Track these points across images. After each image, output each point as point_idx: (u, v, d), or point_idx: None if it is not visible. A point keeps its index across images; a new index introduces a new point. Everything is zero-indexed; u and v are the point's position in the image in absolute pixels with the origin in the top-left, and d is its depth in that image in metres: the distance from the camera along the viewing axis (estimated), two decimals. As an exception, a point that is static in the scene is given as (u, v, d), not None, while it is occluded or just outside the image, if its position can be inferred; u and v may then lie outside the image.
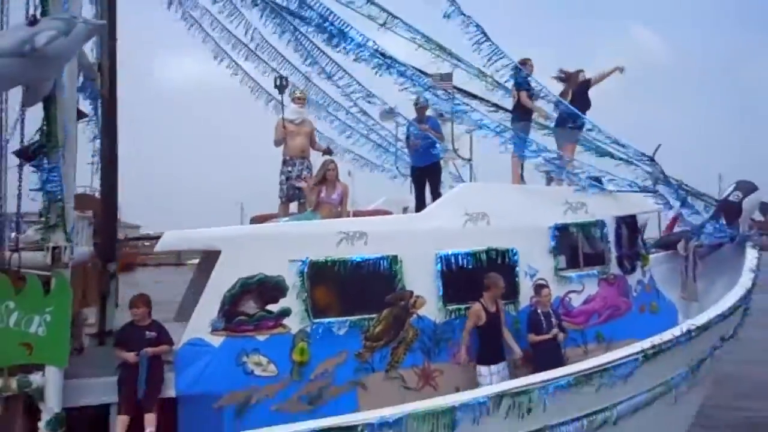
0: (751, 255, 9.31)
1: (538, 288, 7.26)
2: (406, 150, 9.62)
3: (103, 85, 7.87)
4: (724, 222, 9.72)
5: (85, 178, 8.24)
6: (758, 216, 10.82)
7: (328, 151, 8.34)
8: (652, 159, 8.05)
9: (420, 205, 8.07)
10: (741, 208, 9.88)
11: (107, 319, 8.45)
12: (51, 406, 5.56)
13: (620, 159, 8.09)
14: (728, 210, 9.86)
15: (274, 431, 5.66)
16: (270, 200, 8.27)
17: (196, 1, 8.89)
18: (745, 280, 8.70)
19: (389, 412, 5.82)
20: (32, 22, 5.25)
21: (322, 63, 8.58)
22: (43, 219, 5.68)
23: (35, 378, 5.58)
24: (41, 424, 5.54)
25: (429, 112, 8.23)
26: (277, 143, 7.91)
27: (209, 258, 7.33)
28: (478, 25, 7.45)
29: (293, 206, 7.92)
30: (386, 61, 7.47)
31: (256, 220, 8.64)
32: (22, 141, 5.84)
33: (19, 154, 5.85)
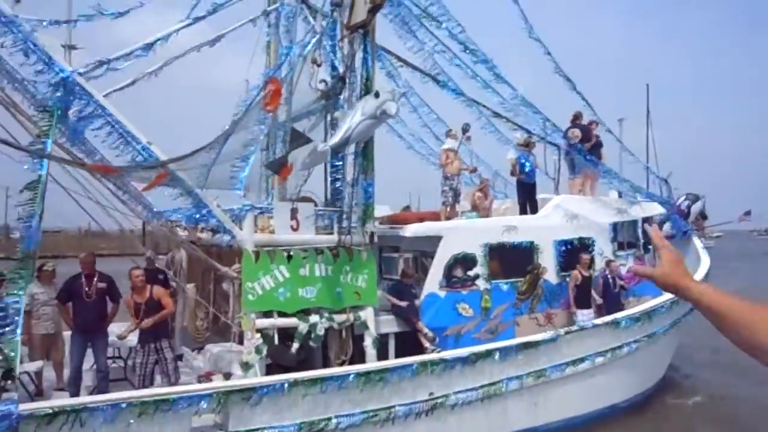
0: (698, 243, 14.27)
1: (609, 262, 11.51)
2: None
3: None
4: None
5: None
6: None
7: (473, 170, 12.08)
8: (666, 180, 12.68)
9: (523, 209, 11.99)
10: (690, 212, 14.87)
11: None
12: (372, 331, 8.87)
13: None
14: (680, 213, 14.80)
15: None
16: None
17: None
18: (705, 258, 13.54)
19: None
20: (377, 95, 8.58)
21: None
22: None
23: (362, 313, 8.85)
24: (367, 343, 8.81)
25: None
26: (442, 165, 11.50)
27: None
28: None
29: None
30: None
31: (393, 217, 12.10)
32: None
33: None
